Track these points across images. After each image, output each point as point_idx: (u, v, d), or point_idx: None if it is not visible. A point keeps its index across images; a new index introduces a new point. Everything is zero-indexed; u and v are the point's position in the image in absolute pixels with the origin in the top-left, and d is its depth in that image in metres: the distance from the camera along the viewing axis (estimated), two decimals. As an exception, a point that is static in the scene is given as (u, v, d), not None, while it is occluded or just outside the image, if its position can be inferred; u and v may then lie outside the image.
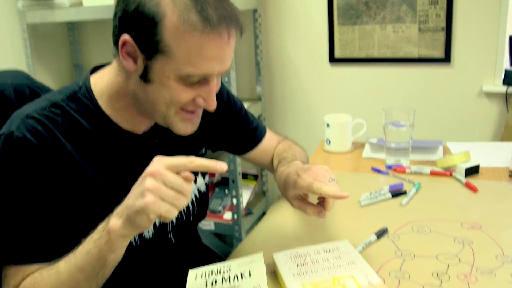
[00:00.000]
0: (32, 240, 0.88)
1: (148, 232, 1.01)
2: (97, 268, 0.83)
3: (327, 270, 0.89)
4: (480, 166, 1.46)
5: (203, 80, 0.89)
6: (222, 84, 1.18)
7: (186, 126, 0.95)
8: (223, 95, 1.20)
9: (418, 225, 1.14)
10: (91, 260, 0.82)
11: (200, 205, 1.15)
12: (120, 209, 0.80)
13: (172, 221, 1.05)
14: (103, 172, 0.95)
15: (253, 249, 1.08)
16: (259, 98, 2.61)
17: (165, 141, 1.05)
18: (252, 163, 1.34)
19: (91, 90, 0.96)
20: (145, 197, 0.74)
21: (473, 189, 1.33)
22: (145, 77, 0.89)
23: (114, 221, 0.79)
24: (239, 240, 2.38)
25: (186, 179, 0.76)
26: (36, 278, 0.87)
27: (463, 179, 1.39)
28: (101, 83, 0.97)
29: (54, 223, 0.90)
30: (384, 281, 0.90)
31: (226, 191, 2.53)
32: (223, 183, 2.57)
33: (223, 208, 2.49)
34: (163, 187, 0.74)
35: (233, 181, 2.32)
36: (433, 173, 1.46)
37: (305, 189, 0.97)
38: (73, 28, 2.83)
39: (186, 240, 1.13)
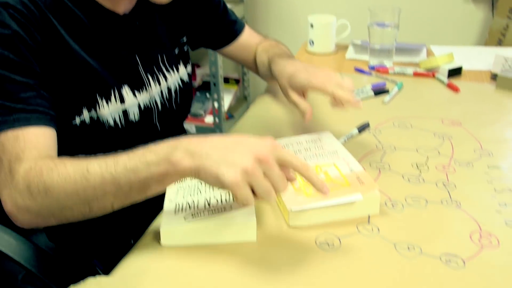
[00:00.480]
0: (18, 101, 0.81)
1: (134, 114, 1.00)
2: (134, 191, 0.73)
3: (309, 159, 0.90)
4: (463, 68, 1.45)
5: None
6: None
7: None
8: None
9: (400, 121, 1.14)
10: (132, 179, 0.72)
11: (183, 95, 1.13)
12: (197, 150, 0.69)
13: (157, 106, 1.05)
14: (87, 48, 0.91)
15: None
16: (241, 0, 2.53)
17: (146, 24, 1.02)
18: (231, 59, 1.31)
19: None
20: (235, 174, 0.66)
21: (455, 89, 1.33)
22: None
23: (182, 157, 0.69)
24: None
25: (288, 179, 0.70)
26: (56, 163, 0.76)
27: (446, 80, 1.38)
28: None
29: (38, 88, 0.83)
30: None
31: (208, 95, 2.51)
32: (205, 87, 2.54)
33: (205, 112, 2.48)
34: (260, 177, 0.67)
35: (214, 85, 2.29)
36: (416, 74, 1.45)
37: (318, 88, 0.96)
38: None
39: (171, 131, 1.12)
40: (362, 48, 1.66)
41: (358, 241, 0.74)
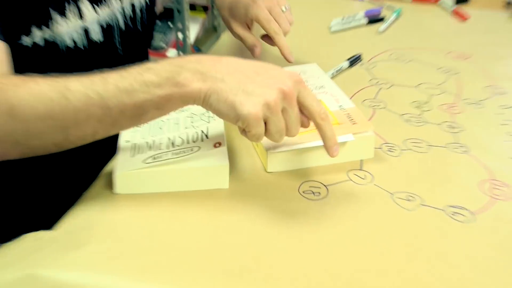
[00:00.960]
0: None
1: (96, 32, 0.96)
2: (126, 118, 0.70)
3: (291, 94, 0.87)
4: (471, -7, 1.43)
5: None
6: None
7: None
8: None
9: (397, 53, 1.11)
10: (126, 102, 0.68)
11: (149, 15, 1.10)
12: (211, 71, 0.68)
13: (119, 25, 1.01)
14: None
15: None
16: None
17: None
18: None
19: None
20: (256, 106, 0.65)
21: (462, 17, 1.30)
22: None
23: (193, 78, 0.68)
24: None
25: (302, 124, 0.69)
26: (24, 79, 0.70)
27: (451, 7, 1.36)
28: None
29: None
30: (356, 109, 0.89)
31: (170, 24, 2.45)
32: (167, 15, 2.47)
33: (167, 44, 2.42)
34: (279, 115, 0.66)
35: (178, 12, 2.23)
36: (415, 0, 1.42)
37: (260, 24, 0.97)
38: None
39: (135, 56, 1.09)
40: (354, -32, 1.62)
41: (348, 190, 0.71)
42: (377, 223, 0.66)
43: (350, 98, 0.89)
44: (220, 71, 0.67)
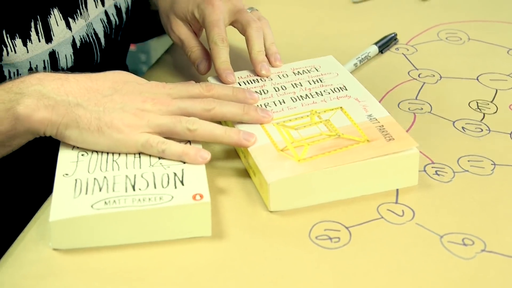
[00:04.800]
0: None
1: (66, 56, 1.00)
2: None
3: (300, 100, 0.90)
4: None
5: None
6: None
7: None
8: None
9: (448, 30, 1.16)
10: None
11: (134, 18, 1.16)
12: (57, 94, 0.80)
13: (99, 42, 1.06)
14: None
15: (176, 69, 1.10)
16: None
17: None
18: None
19: None
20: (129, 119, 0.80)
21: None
22: None
23: (35, 106, 0.78)
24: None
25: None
26: None
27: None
28: None
29: None
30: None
31: None
32: None
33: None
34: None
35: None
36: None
37: (207, 28, 0.99)
38: None
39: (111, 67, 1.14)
40: None
41: (379, 233, 0.75)
42: (421, 277, 0.69)
43: (381, 100, 0.93)
44: (71, 92, 0.79)
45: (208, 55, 1.01)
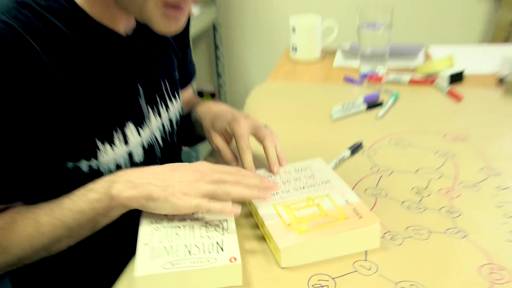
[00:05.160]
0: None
1: (138, 155, 1.01)
2: (86, 229, 0.86)
3: (300, 190, 0.92)
4: (465, 72, 1.49)
5: None
6: None
7: (169, 25, 0.89)
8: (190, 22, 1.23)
9: (396, 138, 1.18)
10: (81, 220, 0.84)
11: (183, 126, 1.17)
12: (138, 179, 0.83)
13: (159, 144, 1.07)
14: (84, 80, 0.90)
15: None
16: (212, 0, 2.57)
17: (150, 43, 1.05)
18: None
19: None
20: (183, 188, 0.82)
21: (457, 97, 1.37)
22: None
23: (123, 189, 0.81)
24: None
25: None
26: (6, 223, 0.85)
27: (446, 87, 1.42)
28: None
29: (17, 153, 0.85)
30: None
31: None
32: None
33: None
34: (212, 183, 0.84)
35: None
36: (412, 82, 1.49)
37: (236, 138, 1.00)
38: None
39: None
40: (351, 53, 1.70)
41: (355, 282, 0.76)
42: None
43: (353, 188, 0.95)
44: (145, 177, 0.83)
45: (236, 158, 1.03)
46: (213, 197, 0.82)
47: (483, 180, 1.01)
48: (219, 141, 1.05)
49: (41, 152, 0.88)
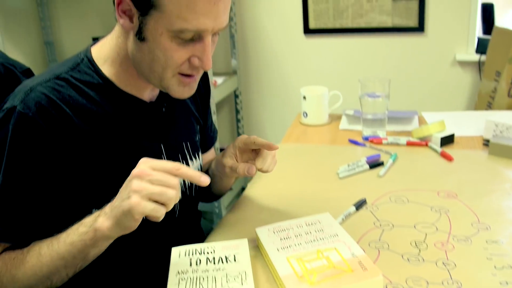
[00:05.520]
0: (17, 221, 0.88)
1: None
2: (78, 259, 0.85)
3: (310, 243, 0.91)
4: (455, 135, 1.48)
5: (197, 38, 0.88)
6: (208, 80, 1.20)
7: (183, 90, 0.94)
8: (210, 92, 1.24)
9: (396, 195, 1.16)
10: (73, 251, 0.84)
11: None
12: (108, 209, 0.81)
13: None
14: (112, 141, 0.94)
15: (234, 224, 1.09)
16: (234, 72, 2.59)
17: (172, 110, 1.07)
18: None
19: (93, 60, 0.95)
20: (131, 198, 0.76)
21: (448, 158, 1.35)
22: (140, 34, 0.88)
23: (102, 220, 0.80)
24: (219, 216, 2.39)
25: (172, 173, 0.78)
26: (17, 254, 0.89)
27: (439, 149, 1.41)
28: (103, 50, 0.97)
29: (45, 204, 0.89)
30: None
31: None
32: (201, 158, 2.56)
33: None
34: (149, 186, 0.76)
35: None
36: (409, 144, 1.48)
37: (243, 141, 1.04)
38: (42, 4, 2.77)
39: (188, 215, 1.14)
40: (355, 118, 1.70)
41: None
42: None
43: (358, 241, 0.93)
44: (114, 203, 0.80)
45: (250, 164, 1.03)
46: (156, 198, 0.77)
47: (474, 234, 0.98)
48: (230, 161, 1.06)
49: (73, 201, 0.92)
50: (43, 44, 2.82)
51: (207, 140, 1.28)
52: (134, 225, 0.78)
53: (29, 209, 0.88)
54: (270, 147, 1.01)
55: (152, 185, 0.76)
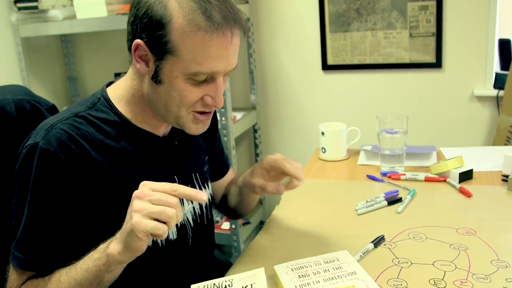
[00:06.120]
0: (41, 251, 0.93)
1: (173, 233, 1.05)
2: (94, 285, 0.89)
3: (328, 281, 0.91)
4: (473, 170, 1.48)
5: (210, 79, 0.94)
6: (214, 115, 1.23)
7: (197, 127, 1.00)
8: (218, 124, 1.31)
9: (414, 232, 1.16)
10: (89, 277, 0.88)
11: (209, 209, 1.20)
12: (118, 234, 0.85)
13: (190, 223, 1.10)
14: (128, 173, 0.99)
15: (253, 260, 1.10)
16: (253, 107, 2.63)
17: (183, 143, 1.12)
18: (217, 194, 1.37)
19: (109, 99, 1.02)
20: (132, 218, 0.80)
21: (467, 194, 1.35)
22: (156, 78, 0.94)
23: (113, 245, 0.84)
24: (237, 250, 2.40)
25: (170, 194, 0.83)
26: (39, 282, 0.93)
27: (457, 185, 1.41)
28: (118, 90, 1.03)
29: (67, 234, 0.94)
30: (382, 290, 0.92)
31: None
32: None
33: (221, 218, 2.51)
34: (149, 205, 0.80)
35: (229, 190, 2.33)
36: (427, 179, 1.48)
37: (270, 163, 1.08)
38: (66, 41, 2.85)
39: (202, 245, 1.16)
40: (373, 153, 1.71)
41: None
42: None
43: (377, 279, 0.93)
44: (123, 227, 0.84)
45: (279, 183, 1.09)
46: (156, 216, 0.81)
47: (494, 272, 0.98)
48: (260, 181, 1.10)
49: (91, 230, 0.97)
50: (66, 79, 2.90)
51: (220, 165, 1.34)
52: (140, 245, 0.81)
53: (52, 239, 0.93)
54: (297, 179, 1.05)
55: (152, 204, 0.80)
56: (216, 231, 2.42)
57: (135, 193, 0.83)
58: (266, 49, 2.59)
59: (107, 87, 1.06)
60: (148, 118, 1.03)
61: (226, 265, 1.28)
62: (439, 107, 2.38)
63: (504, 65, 2.29)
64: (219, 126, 1.57)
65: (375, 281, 0.90)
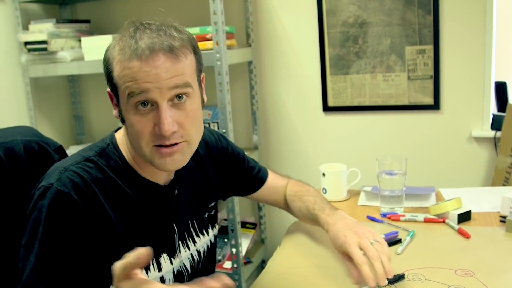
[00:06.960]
0: None
1: (169, 280, 1.07)
2: None
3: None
4: (472, 211, 1.50)
5: (156, 108, 0.96)
6: (225, 139, 1.26)
7: (165, 162, 1.00)
8: (228, 149, 1.32)
9: (413, 274, 1.18)
10: None
11: (210, 255, 1.21)
12: None
13: (187, 269, 1.11)
14: (130, 221, 1.02)
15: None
16: (255, 147, 2.66)
17: (184, 190, 1.15)
18: (261, 201, 1.41)
19: (117, 146, 1.07)
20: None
21: (465, 235, 1.37)
22: (122, 118, 1.02)
23: None
24: (238, 289, 2.40)
25: None
26: None
27: (456, 226, 1.43)
28: (123, 136, 1.08)
29: (76, 275, 0.95)
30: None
31: (226, 240, 2.55)
32: (222, 232, 2.59)
33: (223, 257, 2.51)
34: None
35: (232, 230, 2.35)
36: (426, 220, 1.50)
37: (351, 255, 1.10)
38: (73, 80, 2.91)
39: None
40: (373, 194, 1.74)
41: None
42: None
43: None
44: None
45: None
46: None
47: (493, 316, 0.99)
48: (346, 261, 1.15)
49: (96, 274, 0.97)
50: (72, 118, 2.95)
51: (253, 181, 1.39)
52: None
53: (61, 279, 0.94)
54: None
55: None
56: (217, 269, 2.43)
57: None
58: (268, 91, 2.64)
59: (116, 131, 1.10)
60: (149, 167, 1.06)
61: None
62: (438, 148, 2.42)
63: (500, 107, 2.33)
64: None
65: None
